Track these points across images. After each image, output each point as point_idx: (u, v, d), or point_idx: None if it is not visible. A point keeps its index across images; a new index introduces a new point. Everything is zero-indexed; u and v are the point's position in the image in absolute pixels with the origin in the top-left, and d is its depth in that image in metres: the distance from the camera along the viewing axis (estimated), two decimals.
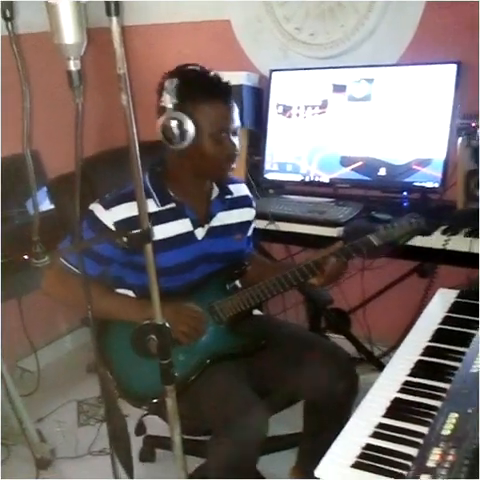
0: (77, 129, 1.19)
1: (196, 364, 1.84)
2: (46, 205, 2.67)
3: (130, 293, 1.93)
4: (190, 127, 1.72)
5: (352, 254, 1.83)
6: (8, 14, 1.09)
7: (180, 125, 1.71)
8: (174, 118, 1.71)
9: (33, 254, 1.20)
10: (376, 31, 2.60)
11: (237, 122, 1.82)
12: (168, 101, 1.73)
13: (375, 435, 1.21)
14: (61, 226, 2.00)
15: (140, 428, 2.24)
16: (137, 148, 1.26)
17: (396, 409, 1.29)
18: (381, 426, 1.24)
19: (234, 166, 1.86)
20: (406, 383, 1.38)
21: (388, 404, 1.31)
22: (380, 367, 2.67)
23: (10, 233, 2.50)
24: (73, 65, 1.14)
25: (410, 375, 1.42)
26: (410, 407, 1.29)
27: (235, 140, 1.82)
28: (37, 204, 1.21)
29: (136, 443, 2.35)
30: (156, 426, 2.19)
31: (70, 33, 1.12)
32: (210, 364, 1.85)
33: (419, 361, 1.47)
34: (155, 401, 1.79)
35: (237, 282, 1.97)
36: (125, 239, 1.30)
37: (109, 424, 1.70)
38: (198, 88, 1.75)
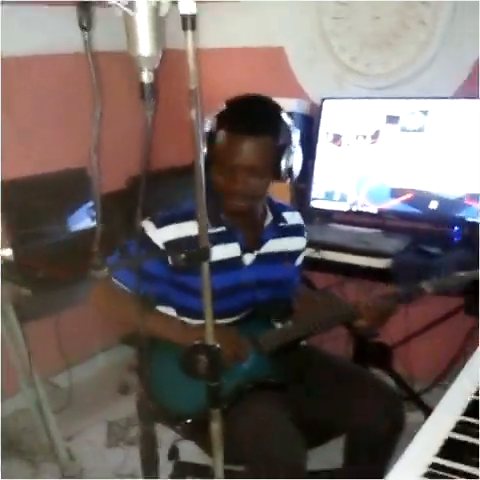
0: (146, 144, 1.18)
1: (234, 390, 1.79)
2: (88, 222, 2.69)
3: (171, 311, 1.90)
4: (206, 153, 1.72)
5: (404, 301, 1.83)
6: (85, 24, 1.10)
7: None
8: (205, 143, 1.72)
9: (92, 265, 1.19)
10: (433, 63, 2.58)
11: (256, 161, 1.72)
12: (207, 124, 1.76)
13: (428, 475, 1.16)
14: (106, 244, 1.99)
15: (173, 452, 2.19)
16: (202, 163, 1.25)
17: (450, 449, 1.24)
18: (434, 466, 1.19)
19: (243, 204, 1.79)
20: (460, 422, 1.33)
21: (441, 443, 1.26)
22: (421, 406, 2.60)
23: (50, 249, 2.51)
24: (147, 77, 1.14)
25: (465, 415, 1.36)
26: (465, 448, 1.24)
27: (246, 179, 1.74)
28: (99, 215, 1.20)
29: (166, 469, 2.30)
30: (188, 452, 2.15)
31: (146, 45, 1.12)
32: (249, 392, 1.81)
33: (474, 401, 1.41)
34: (189, 421, 1.77)
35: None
36: (183, 256, 1.27)
37: (142, 444, 1.66)
38: (226, 117, 1.74)
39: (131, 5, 1.09)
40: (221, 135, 1.73)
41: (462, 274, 1.85)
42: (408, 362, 2.78)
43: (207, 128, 1.75)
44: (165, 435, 1.92)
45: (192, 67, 1.15)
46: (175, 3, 1.13)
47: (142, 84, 1.14)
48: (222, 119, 1.74)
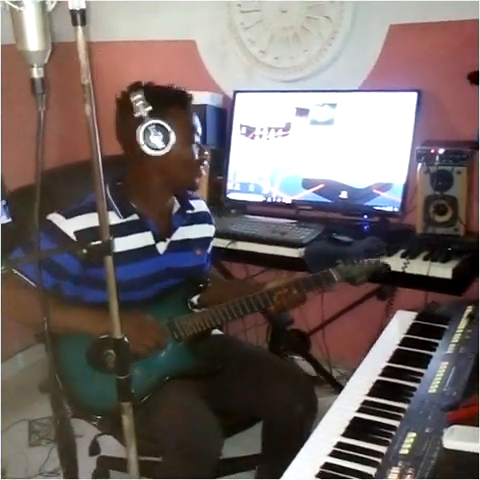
0: (38, 137, 1.17)
1: (152, 381, 1.81)
2: (2, 219, 2.62)
3: None
4: (171, 131, 1.74)
5: (313, 286, 1.86)
6: None
7: (162, 130, 1.73)
8: (155, 124, 1.72)
9: None
10: (339, 57, 2.65)
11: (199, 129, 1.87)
12: (142, 110, 1.73)
13: (334, 454, 1.21)
14: (18, 239, 1.96)
15: (94, 448, 2.19)
16: (100, 157, 1.25)
17: (355, 428, 1.29)
18: (340, 445, 1.24)
19: (204, 173, 1.90)
20: (365, 403, 1.39)
21: (347, 423, 1.31)
22: (338, 389, 2.67)
23: None
24: (36, 73, 1.14)
25: (369, 395, 1.42)
26: (369, 426, 1.29)
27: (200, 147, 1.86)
28: None
29: (90, 464, 2.29)
30: (111, 447, 2.14)
31: (34, 40, 1.11)
32: (167, 382, 1.82)
33: (378, 381, 1.48)
34: (100, 417, 1.78)
35: (195, 300, 1.97)
36: (85, 251, 1.27)
37: (60, 442, 1.65)
38: (166, 96, 1.78)
39: (18, 1, 1.08)
40: (176, 112, 1.78)
41: (366, 263, 1.90)
42: (325, 347, 2.85)
43: (144, 113, 1.73)
44: (87, 430, 1.91)
45: (83, 62, 1.15)
46: None
47: (33, 79, 1.13)
48: (164, 99, 1.77)
